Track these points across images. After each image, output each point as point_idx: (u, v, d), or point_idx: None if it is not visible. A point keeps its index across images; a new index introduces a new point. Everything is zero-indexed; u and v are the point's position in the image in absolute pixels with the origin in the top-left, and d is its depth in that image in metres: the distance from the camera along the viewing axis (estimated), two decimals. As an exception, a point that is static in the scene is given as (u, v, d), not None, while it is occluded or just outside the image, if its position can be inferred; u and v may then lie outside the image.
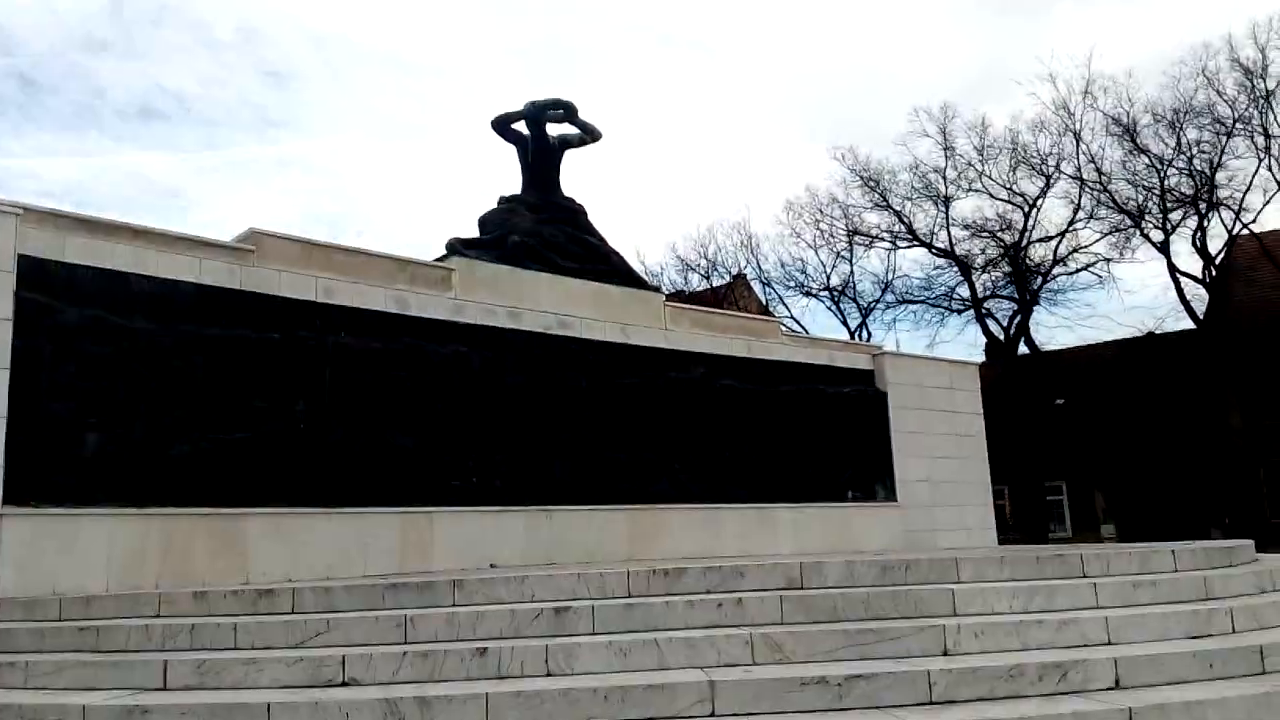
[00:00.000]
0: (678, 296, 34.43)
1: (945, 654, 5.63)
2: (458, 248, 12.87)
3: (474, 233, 13.63)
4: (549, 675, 5.50)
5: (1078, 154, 30.63)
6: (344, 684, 5.51)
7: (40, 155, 58.01)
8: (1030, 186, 31.56)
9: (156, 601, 7.10)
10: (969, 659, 5.50)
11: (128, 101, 57.85)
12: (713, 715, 5.03)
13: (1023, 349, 31.80)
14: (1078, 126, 30.49)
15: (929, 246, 33.24)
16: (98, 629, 6.53)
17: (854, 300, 35.53)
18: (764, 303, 36.71)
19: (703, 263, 37.91)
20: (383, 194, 59.93)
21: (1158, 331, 30.95)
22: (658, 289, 15.20)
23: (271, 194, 60.38)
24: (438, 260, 12.64)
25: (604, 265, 14.13)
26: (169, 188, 59.29)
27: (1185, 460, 28.68)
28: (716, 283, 37.58)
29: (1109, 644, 5.82)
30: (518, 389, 12.34)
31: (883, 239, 34.39)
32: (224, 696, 5.39)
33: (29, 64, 56.81)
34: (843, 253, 35.32)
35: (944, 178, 32.37)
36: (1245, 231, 29.52)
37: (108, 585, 8.75)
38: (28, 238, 8.94)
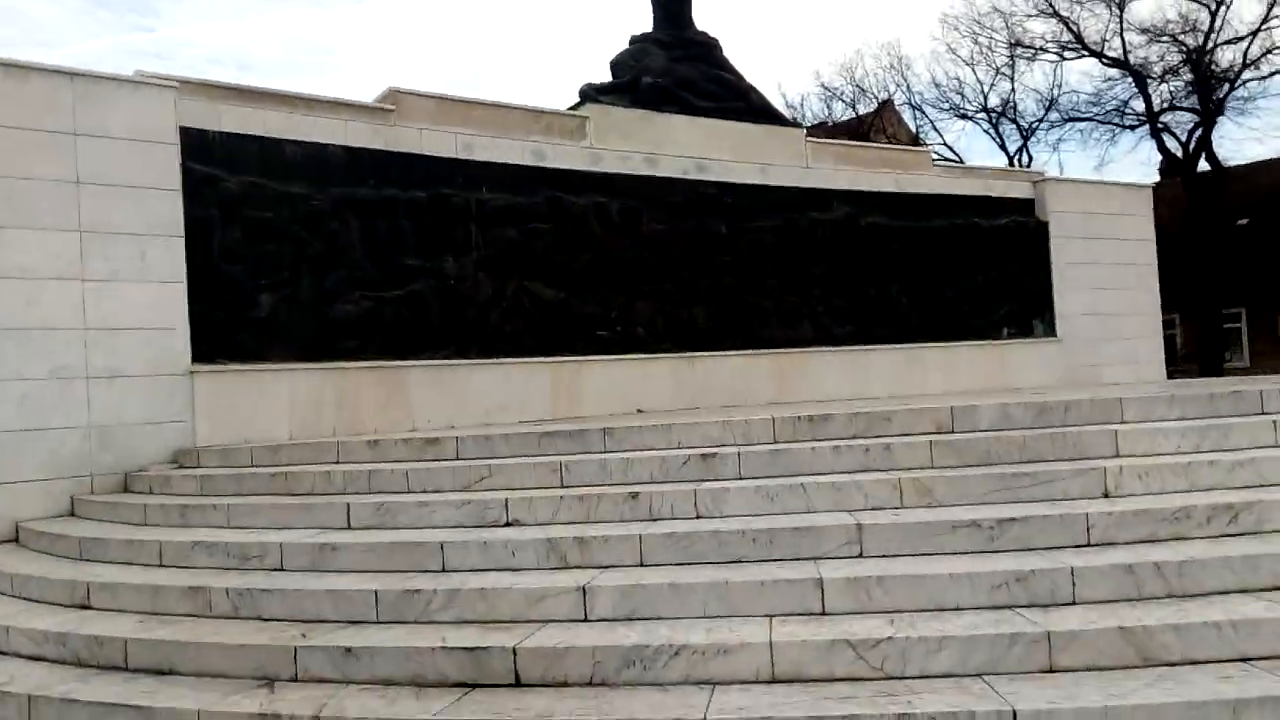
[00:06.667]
0: (820, 128, 33.00)
1: (1106, 496, 5.46)
2: (591, 94, 12.65)
3: (607, 78, 13.34)
4: (698, 518, 5.68)
5: (1282, -65, 26.69)
6: (508, 524, 5.89)
7: (199, 20, 59.94)
8: (1221, -22, 27.90)
9: (336, 450, 7.70)
10: (1131, 501, 5.31)
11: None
12: (860, 557, 5.10)
13: (1203, 165, 29.03)
14: (1283, -98, 26.43)
15: (1100, 56, 30.20)
16: (286, 474, 7.17)
17: (1014, 122, 33.01)
18: (914, 131, 34.72)
19: (849, 90, 35.93)
20: (522, 46, 59.13)
21: (1366, 138, 27.52)
22: (798, 124, 14.56)
23: (415, 49, 60.66)
24: (572, 109, 12.49)
25: (741, 103, 13.59)
26: (322, 46, 60.37)
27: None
28: (863, 110, 35.63)
29: (1290, 485, 5.50)
30: (657, 236, 12.29)
31: (1047, 50, 31.41)
32: (402, 535, 5.87)
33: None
34: (1003, 69, 32.65)
35: (1122, -26, 28.98)
36: None
37: (290, 434, 9.54)
38: (185, 110, 9.34)
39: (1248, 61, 28.16)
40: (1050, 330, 14.96)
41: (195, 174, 9.31)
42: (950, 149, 34.00)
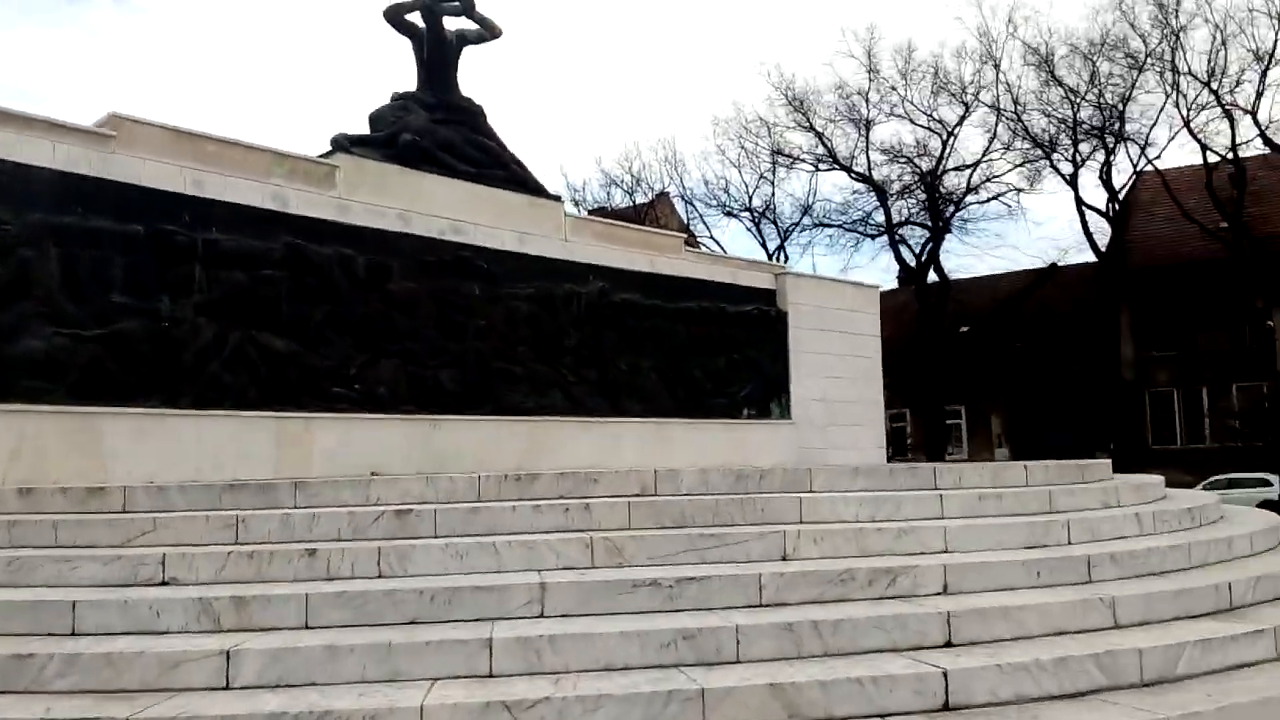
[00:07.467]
0: (600, 213, 33.95)
1: (784, 559, 5.65)
2: (344, 144, 12.21)
3: (365, 131, 13.01)
4: (380, 577, 5.35)
5: (997, 83, 30.89)
6: (162, 583, 5.28)
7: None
8: (949, 114, 31.77)
9: (-20, 499, 6.73)
10: (804, 564, 5.52)
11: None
12: (541, 616, 4.95)
13: (933, 276, 32.32)
14: (998, 55, 30.67)
15: (848, 170, 33.32)
16: (-93, 527, 6.14)
17: (774, 222, 35.59)
18: (685, 221, 36.51)
19: (627, 178, 37.56)
20: (269, 93, 57.27)
21: (1061, 263, 31.76)
22: (558, 198, 14.75)
23: (145, 87, 57.09)
24: (322, 156, 12.04)
25: (502, 171, 13.64)
26: (74, 76, 55.69)
27: (1079, 387, 29.74)
28: (640, 200, 37.19)
29: (945, 552, 5.91)
30: (406, 295, 11.92)
31: (804, 160, 34.37)
32: (32, 594, 5.11)
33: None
34: (765, 174, 35.32)
35: (867, 100, 32.40)
36: (1149, 167, 30.22)
37: (-54, 484, 8.27)
38: None
39: (971, 186, 31.97)
40: (786, 413, 15.78)
41: None
42: (717, 243, 36.13)
